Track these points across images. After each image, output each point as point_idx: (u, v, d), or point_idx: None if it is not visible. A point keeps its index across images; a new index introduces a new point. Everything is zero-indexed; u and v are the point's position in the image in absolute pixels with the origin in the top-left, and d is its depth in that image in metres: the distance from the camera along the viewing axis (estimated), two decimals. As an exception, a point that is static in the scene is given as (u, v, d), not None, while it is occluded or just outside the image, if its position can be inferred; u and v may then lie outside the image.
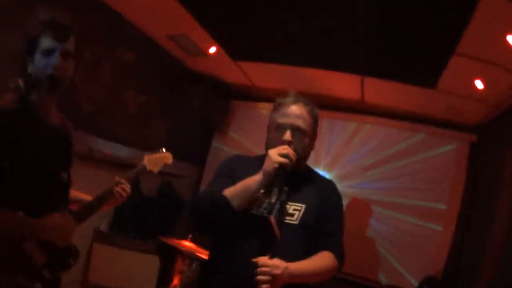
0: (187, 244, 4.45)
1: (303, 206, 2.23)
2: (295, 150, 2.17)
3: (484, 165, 4.91)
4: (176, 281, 5.01)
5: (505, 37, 3.11)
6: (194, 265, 4.75)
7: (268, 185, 2.09)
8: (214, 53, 4.96)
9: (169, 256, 5.18)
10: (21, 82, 2.06)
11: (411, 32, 3.58)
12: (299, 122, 2.27)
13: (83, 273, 4.62)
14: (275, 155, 2.09)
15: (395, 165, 5.31)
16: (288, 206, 2.20)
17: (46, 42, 2.10)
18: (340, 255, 2.24)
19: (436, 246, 4.99)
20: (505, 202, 4.12)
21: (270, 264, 1.93)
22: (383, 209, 5.24)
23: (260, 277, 1.92)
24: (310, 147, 2.37)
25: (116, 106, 4.89)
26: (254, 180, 2.12)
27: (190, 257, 4.62)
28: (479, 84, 4.02)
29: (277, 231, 2.03)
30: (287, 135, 2.22)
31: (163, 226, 5.50)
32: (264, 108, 5.76)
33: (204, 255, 4.54)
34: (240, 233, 2.17)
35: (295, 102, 2.32)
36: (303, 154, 2.30)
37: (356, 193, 5.29)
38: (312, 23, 3.90)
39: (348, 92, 5.22)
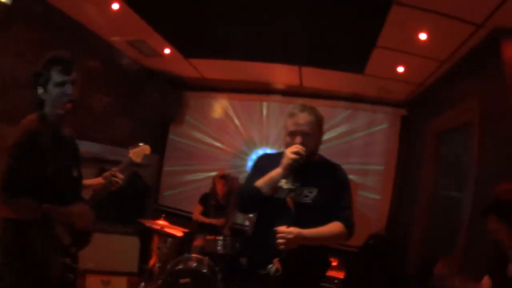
0: (162, 223, 4.96)
1: (316, 189, 2.69)
2: (305, 148, 2.62)
3: (413, 137, 5.55)
4: (154, 257, 5.53)
5: (417, 35, 3.78)
6: (168, 241, 5.28)
7: (287, 175, 2.58)
8: (169, 53, 5.44)
9: (147, 235, 5.74)
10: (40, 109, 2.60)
11: (338, 29, 4.13)
12: (306, 128, 2.69)
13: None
14: (289, 153, 2.57)
15: (337, 142, 5.98)
16: (303, 190, 2.68)
17: (57, 76, 2.58)
18: (349, 226, 2.66)
19: (377, 210, 5.72)
20: (428, 170, 4.82)
21: (286, 231, 2.45)
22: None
23: (278, 240, 2.45)
24: (318, 144, 2.80)
25: (84, 109, 5.30)
26: (276, 172, 2.62)
27: (165, 234, 5.16)
28: (400, 69, 4.63)
29: (291, 208, 2.56)
30: (297, 140, 2.66)
31: (137, 210, 6.03)
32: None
33: (176, 231, 5.09)
34: (269, 212, 2.71)
35: (302, 111, 2.73)
36: (312, 150, 2.72)
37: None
38: (252, 22, 4.35)
39: (288, 79, 5.78)
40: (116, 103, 5.87)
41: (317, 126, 2.76)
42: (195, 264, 4.56)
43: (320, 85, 5.86)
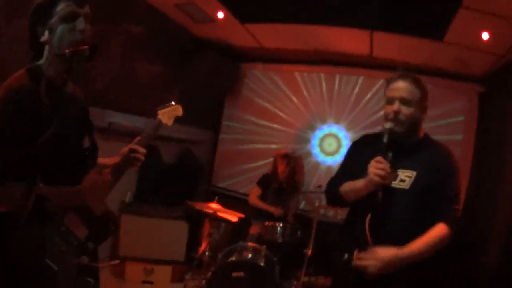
0: (214, 206, 4.57)
1: (414, 173, 2.41)
2: (402, 118, 2.40)
3: (493, 114, 5.05)
4: (205, 244, 5.19)
5: None
6: (221, 227, 4.91)
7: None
8: (222, 18, 5.02)
9: (197, 220, 5.36)
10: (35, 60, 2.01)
11: None
12: (404, 94, 2.44)
13: (112, 247, 4.80)
14: (372, 174, 2.28)
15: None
16: (399, 173, 2.42)
17: (65, 7, 1.98)
18: (453, 225, 2.35)
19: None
20: None
21: (369, 262, 2.24)
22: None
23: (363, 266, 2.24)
24: (417, 117, 2.51)
25: (129, 79, 5.00)
26: (360, 184, 2.39)
27: (218, 219, 4.78)
28: (485, 36, 4.12)
29: (380, 196, 2.30)
30: (395, 106, 2.41)
31: (186, 191, 5.64)
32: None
33: (230, 216, 4.70)
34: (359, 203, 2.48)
35: (402, 77, 2.50)
36: (410, 121, 2.45)
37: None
38: None
39: (357, 47, 5.30)
40: (164, 74, 5.51)
41: (420, 96, 2.49)
42: (250, 255, 4.20)
43: (392, 55, 5.34)
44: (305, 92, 6.16)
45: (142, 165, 2.42)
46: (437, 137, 4.98)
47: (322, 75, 6.10)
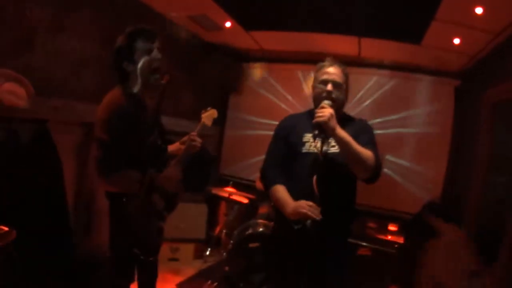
0: (229, 190, 5.11)
1: None
2: (334, 97, 2.86)
3: (467, 106, 5.57)
4: (221, 224, 5.75)
5: (474, 8, 3.84)
6: (235, 208, 5.47)
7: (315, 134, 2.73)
8: (230, 27, 5.56)
9: (215, 203, 5.98)
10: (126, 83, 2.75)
11: (398, 1, 4.21)
12: (337, 78, 2.92)
13: None
14: (295, 213, 2.71)
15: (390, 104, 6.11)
16: (330, 141, 2.84)
17: (143, 44, 2.71)
18: (377, 161, 2.80)
19: (433, 178, 5.83)
20: (484, 136, 4.79)
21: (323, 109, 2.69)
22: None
23: (318, 114, 2.67)
24: (343, 98, 2.98)
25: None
26: (285, 208, 2.81)
27: (232, 201, 5.35)
28: (456, 41, 4.68)
29: (320, 158, 2.74)
30: (329, 87, 2.87)
31: (202, 179, 6.22)
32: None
33: (242, 198, 5.26)
34: (298, 167, 2.93)
35: (332, 64, 2.98)
36: (339, 101, 2.92)
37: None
38: None
39: (347, 50, 5.85)
40: (179, 77, 6.03)
41: (346, 80, 2.98)
42: (262, 229, 4.71)
43: (378, 56, 5.96)
44: (305, 89, 6.56)
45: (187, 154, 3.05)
46: (417, 127, 5.61)
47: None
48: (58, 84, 4.01)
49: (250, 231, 4.69)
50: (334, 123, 2.66)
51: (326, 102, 2.78)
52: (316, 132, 2.70)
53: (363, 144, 2.77)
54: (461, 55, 5.16)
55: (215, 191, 5.37)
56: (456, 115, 5.80)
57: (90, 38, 4.28)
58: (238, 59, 6.89)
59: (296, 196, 2.82)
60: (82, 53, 4.23)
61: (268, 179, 3.09)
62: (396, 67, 6.09)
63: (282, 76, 6.84)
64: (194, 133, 3.09)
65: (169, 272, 5.28)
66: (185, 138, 3.13)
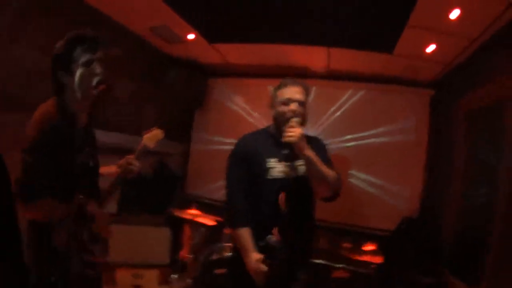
0: (193, 212, 4.86)
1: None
2: (300, 116, 2.89)
3: (442, 115, 5.42)
4: (186, 248, 5.47)
5: (448, 13, 3.66)
6: (201, 230, 5.20)
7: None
8: (193, 39, 5.32)
9: (178, 226, 5.63)
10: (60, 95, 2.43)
11: (368, 8, 4.00)
12: (300, 97, 2.96)
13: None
14: (260, 278, 2.72)
15: (363, 119, 5.90)
16: (296, 164, 2.91)
17: (81, 55, 2.39)
18: (339, 179, 2.94)
19: (409, 193, 5.65)
20: (461, 143, 4.67)
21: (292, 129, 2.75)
22: (359, 165, 5.85)
23: (288, 134, 2.74)
24: (306, 115, 3.00)
25: (107, 98, 5.26)
26: (246, 258, 2.81)
27: (196, 224, 5.07)
28: (431, 48, 4.50)
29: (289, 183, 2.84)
30: (294, 106, 2.91)
31: (165, 200, 5.96)
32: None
33: (208, 220, 5.02)
34: (265, 191, 2.91)
35: (295, 83, 3.01)
36: (304, 120, 2.95)
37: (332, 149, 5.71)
38: (278, 2, 4.22)
39: (315, 62, 5.64)
40: (140, 91, 5.79)
41: (307, 98, 3.05)
42: (228, 253, 4.40)
43: (348, 67, 5.72)
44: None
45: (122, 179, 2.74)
46: (392, 140, 5.46)
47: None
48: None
49: (215, 256, 4.41)
50: (304, 142, 2.73)
51: (295, 120, 2.82)
52: (286, 151, 2.81)
53: (324, 163, 2.86)
54: (435, 63, 5.01)
55: (179, 213, 5.11)
56: (432, 125, 5.67)
57: (46, 48, 4.00)
58: (203, 73, 6.64)
59: (263, 218, 2.84)
60: (37, 65, 3.94)
61: (234, 215, 3.00)
62: (367, 78, 5.89)
63: (250, 91, 6.63)
64: (131, 156, 2.77)
65: None
66: (122, 161, 2.78)
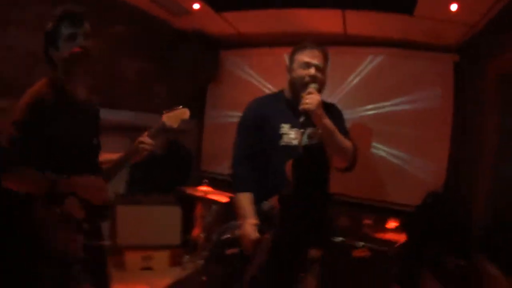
0: (204, 189, 4.66)
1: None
2: (318, 83, 2.82)
3: (469, 81, 5.08)
4: (198, 227, 5.28)
5: None
6: (213, 208, 4.98)
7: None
8: (198, 9, 5.09)
9: (189, 204, 5.45)
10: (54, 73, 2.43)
11: None
12: (320, 62, 2.86)
13: (111, 238, 4.85)
14: (248, 244, 2.79)
15: (384, 86, 5.57)
16: (309, 131, 2.82)
17: (66, 29, 2.38)
18: (355, 150, 2.88)
19: (435, 165, 5.30)
20: (493, 112, 4.35)
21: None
22: (380, 136, 5.55)
23: (306, 100, 2.65)
24: (324, 82, 2.94)
25: (116, 76, 5.14)
26: (242, 220, 2.91)
27: (208, 201, 4.87)
28: (453, 7, 4.17)
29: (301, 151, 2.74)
30: (313, 70, 2.81)
31: (177, 179, 5.75)
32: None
33: (221, 197, 4.79)
34: (275, 160, 2.83)
35: (315, 47, 2.91)
36: (321, 85, 2.88)
37: (352, 119, 5.44)
38: None
39: (331, 26, 5.33)
40: (148, 68, 5.63)
41: (327, 65, 2.96)
42: None
43: (366, 31, 5.37)
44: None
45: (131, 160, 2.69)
46: (414, 110, 5.15)
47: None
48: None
49: (227, 235, 4.15)
50: (321, 110, 2.65)
51: (313, 86, 2.73)
52: (303, 119, 2.67)
53: (341, 132, 2.81)
54: (459, 24, 4.64)
55: (189, 190, 4.90)
56: (457, 94, 5.30)
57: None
58: (214, 46, 6.37)
59: (270, 191, 2.74)
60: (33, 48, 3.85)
61: (236, 180, 3.05)
62: (387, 43, 5.54)
63: (264, 61, 6.31)
64: (145, 134, 2.71)
65: (142, 284, 4.81)
66: (135, 142, 2.74)
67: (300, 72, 2.86)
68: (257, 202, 2.86)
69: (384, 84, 5.57)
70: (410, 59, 5.48)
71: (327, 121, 2.68)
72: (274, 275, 2.66)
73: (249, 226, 2.75)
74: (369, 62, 5.65)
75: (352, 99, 5.62)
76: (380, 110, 5.55)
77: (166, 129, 2.79)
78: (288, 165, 2.59)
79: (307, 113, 2.63)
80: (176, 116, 2.82)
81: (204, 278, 4.28)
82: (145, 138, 2.68)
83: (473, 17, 4.39)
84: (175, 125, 2.81)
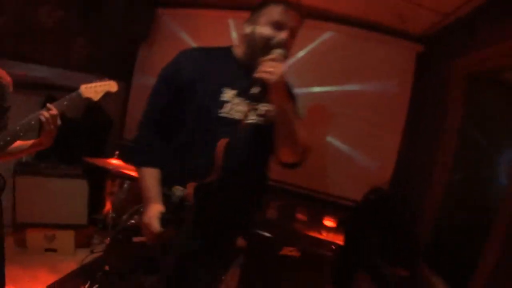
0: (115, 162, 4.16)
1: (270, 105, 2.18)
2: (286, 50, 2.17)
3: (431, 76, 4.81)
4: (108, 205, 4.75)
5: None
6: (125, 185, 4.46)
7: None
8: None
9: (98, 178, 4.92)
10: None
11: None
12: (295, 25, 2.24)
13: (12, 214, 4.37)
14: (150, 236, 2.24)
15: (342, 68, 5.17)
16: (260, 107, 2.23)
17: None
18: (308, 145, 2.30)
19: (382, 161, 5.02)
20: (455, 113, 4.04)
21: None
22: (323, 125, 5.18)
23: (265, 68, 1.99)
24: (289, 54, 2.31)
25: (30, 24, 4.50)
26: (146, 207, 2.26)
27: (120, 176, 4.35)
28: None
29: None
30: (283, 35, 2.18)
31: (91, 148, 5.18)
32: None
33: (134, 172, 4.25)
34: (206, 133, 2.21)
35: (293, 7, 2.24)
36: (286, 57, 2.20)
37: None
38: None
39: None
40: (68, 19, 4.91)
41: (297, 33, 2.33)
42: None
43: (323, 4, 4.87)
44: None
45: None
46: (368, 97, 4.81)
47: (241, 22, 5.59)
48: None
49: (135, 220, 3.56)
50: (283, 85, 2.04)
51: (280, 52, 2.09)
52: (256, 90, 2.00)
53: None
54: (431, 11, 4.26)
55: (100, 162, 4.36)
56: (415, 88, 5.00)
57: None
58: (150, 2, 5.78)
59: (186, 175, 2.13)
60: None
61: (138, 149, 2.38)
62: (345, 20, 5.09)
63: (204, 24, 5.77)
64: (52, 106, 2.38)
65: (44, 267, 4.34)
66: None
67: (267, 30, 2.21)
68: (167, 183, 2.20)
69: (336, 66, 5.16)
70: (370, 42, 5.07)
71: (287, 103, 2.12)
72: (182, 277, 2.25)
73: (153, 214, 2.16)
74: (323, 39, 5.21)
75: (299, 78, 5.13)
76: (329, 94, 5.16)
77: (83, 100, 2.47)
78: (220, 145, 2.09)
79: (264, 83, 1.99)
80: (99, 88, 2.54)
81: (106, 267, 3.75)
82: (52, 108, 2.34)
83: (448, 5, 4.04)
84: (96, 97, 2.52)
